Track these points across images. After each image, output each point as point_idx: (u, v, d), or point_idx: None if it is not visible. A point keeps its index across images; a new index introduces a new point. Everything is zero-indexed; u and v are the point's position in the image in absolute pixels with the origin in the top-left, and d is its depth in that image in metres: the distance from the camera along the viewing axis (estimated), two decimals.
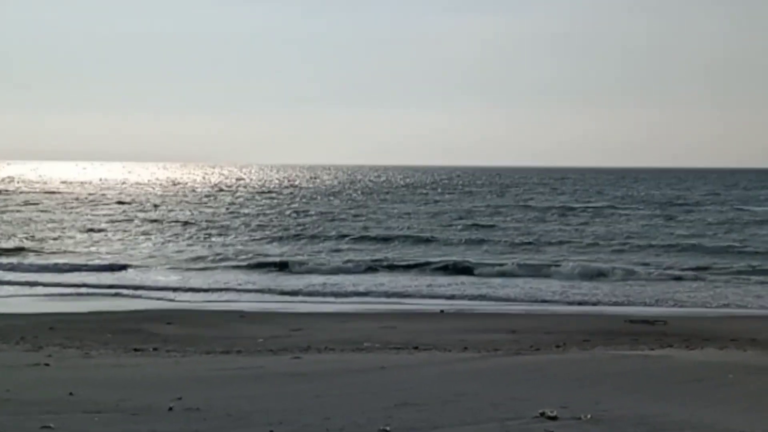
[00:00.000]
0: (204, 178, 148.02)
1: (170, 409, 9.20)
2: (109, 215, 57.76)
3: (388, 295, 26.57)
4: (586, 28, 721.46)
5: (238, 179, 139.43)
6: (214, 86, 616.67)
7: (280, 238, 42.98)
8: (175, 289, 27.23)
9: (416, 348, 15.07)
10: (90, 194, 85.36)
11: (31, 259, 34.65)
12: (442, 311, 22.80)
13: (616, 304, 24.68)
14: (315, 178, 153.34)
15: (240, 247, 38.95)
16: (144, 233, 46.12)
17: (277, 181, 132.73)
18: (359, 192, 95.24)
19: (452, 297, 26.12)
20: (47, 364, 12.89)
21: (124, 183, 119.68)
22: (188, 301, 25.02)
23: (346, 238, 42.66)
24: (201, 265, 33.84)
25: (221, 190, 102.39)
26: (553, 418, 8.76)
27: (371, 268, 32.53)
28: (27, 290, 26.88)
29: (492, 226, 49.95)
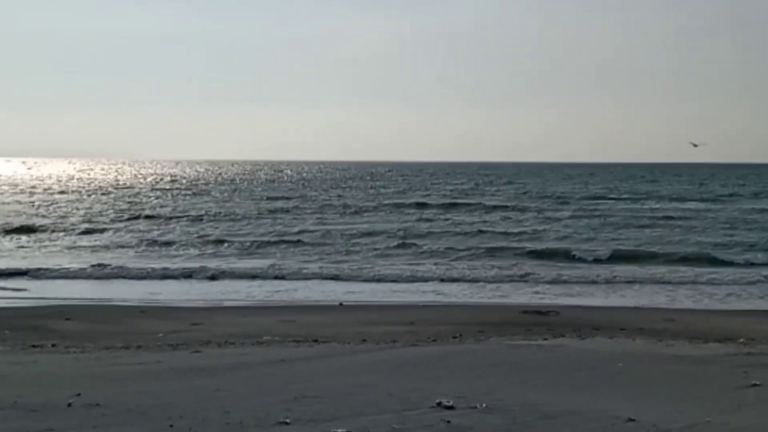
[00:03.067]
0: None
1: (69, 405, 9.09)
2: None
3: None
4: (487, 27, 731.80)
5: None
6: (114, 82, 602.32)
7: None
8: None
9: (316, 341, 15.16)
10: None
11: None
12: (341, 304, 22.93)
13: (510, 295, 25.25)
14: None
15: None
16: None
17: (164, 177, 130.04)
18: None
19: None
20: None
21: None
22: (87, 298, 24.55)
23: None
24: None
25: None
26: (450, 408, 8.99)
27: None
28: None
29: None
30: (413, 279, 28.08)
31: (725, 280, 27.46)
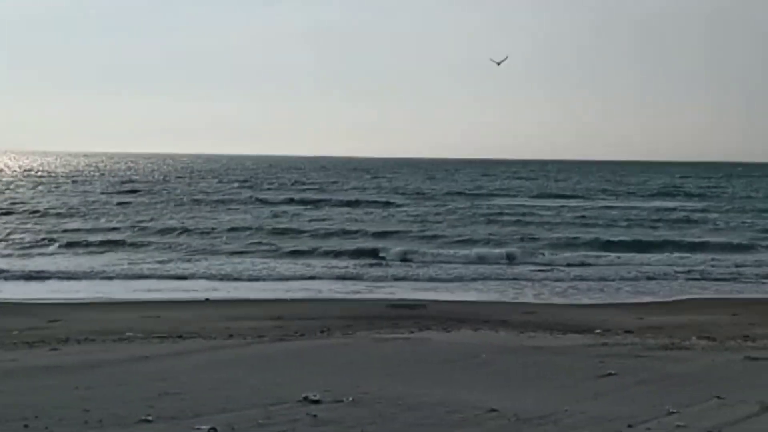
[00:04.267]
0: None
1: None
2: None
3: None
4: (343, 21, 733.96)
5: None
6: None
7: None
8: None
9: (180, 336, 14.88)
10: None
11: None
12: (207, 299, 22.60)
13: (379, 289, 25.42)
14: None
15: None
16: None
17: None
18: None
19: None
20: None
21: None
22: None
23: None
24: None
25: None
26: (316, 402, 8.97)
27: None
28: None
29: None
30: (280, 277, 27.77)
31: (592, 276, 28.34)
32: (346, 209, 56.00)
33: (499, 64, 45.03)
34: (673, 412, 8.82)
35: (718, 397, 9.55)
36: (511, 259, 32.05)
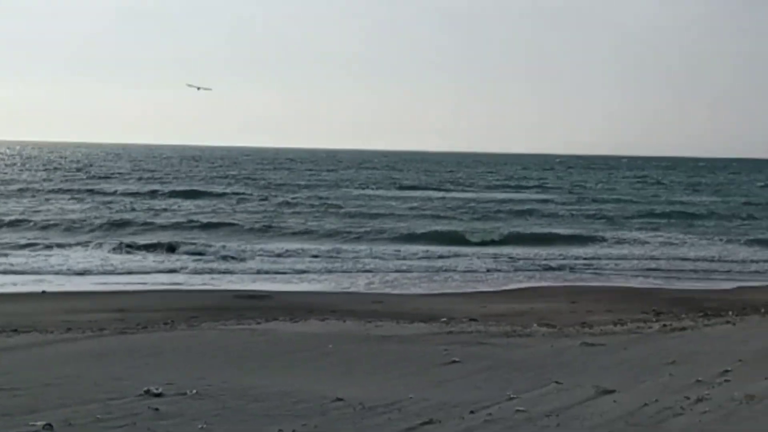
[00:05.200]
0: None
1: None
2: None
3: None
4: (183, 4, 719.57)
5: None
6: None
7: None
8: None
9: (15, 331, 14.22)
10: None
11: None
12: (43, 292, 21.72)
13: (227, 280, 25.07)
14: None
15: None
16: None
17: None
18: None
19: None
20: None
21: None
22: None
23: None
24: None
25: None
26: (158, 395, 8.74)
27: None
28: None
29: None
30: (120, 270, 26.83)
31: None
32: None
33: (198, 89, 45.82)
34: (513, 397, 9.04)
35: (557, 382, 9.86)
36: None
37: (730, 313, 17.01)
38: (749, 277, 27.35)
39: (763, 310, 17.32)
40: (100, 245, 31.82)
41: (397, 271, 27.39)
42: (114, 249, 31.12)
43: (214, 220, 41.66)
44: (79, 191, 58.13)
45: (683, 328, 14.61)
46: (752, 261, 31.06)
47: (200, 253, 30.33)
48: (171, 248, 31.32)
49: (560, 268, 28.58)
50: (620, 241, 36.88)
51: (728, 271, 28.54)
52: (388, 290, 23.35)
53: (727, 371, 10.36)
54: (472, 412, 8.42)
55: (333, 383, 9.90)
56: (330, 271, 27.18)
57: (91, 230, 37.40)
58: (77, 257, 28.73)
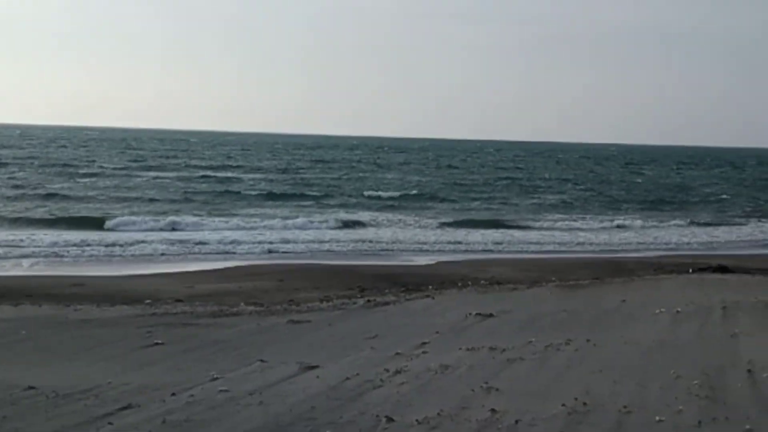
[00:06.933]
0: None
1: None
2: None
3: None
4: None
5: None
6: None
7: None
8: None
9: None
10: None
11: None
12: None
13: None
14: None
15: None
16: None
17: None
18: None
19: None
20: None
21: None
22: None
23: None
24: None
25: None
26: None
27: None
28: None
29: None
30: None
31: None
32: None
33: None
34: (217, 378, 8.90)
35: (262, 360, 9.83)
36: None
37: (430, 287, 17.80)
38: (448, 255, 28.72)
39: (459, 284, 18.28)
40: None
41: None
42: None
43: None
44: None
45: (386, 303, 15.09)
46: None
47: None
48: None
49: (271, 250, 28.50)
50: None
51: (426, 250, 29.72)
52: (90, 273, 22.33)
53: (425, 343, 10.79)
54: (173, 394, 8.19)
55: (25, 371, 9.33)
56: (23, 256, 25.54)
57: None
58: None
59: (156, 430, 7.09)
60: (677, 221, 41.67)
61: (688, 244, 33.70)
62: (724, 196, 59.96)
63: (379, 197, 50.56)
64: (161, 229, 32.40)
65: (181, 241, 28.67)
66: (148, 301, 15.68)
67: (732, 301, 13.32)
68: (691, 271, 19.89)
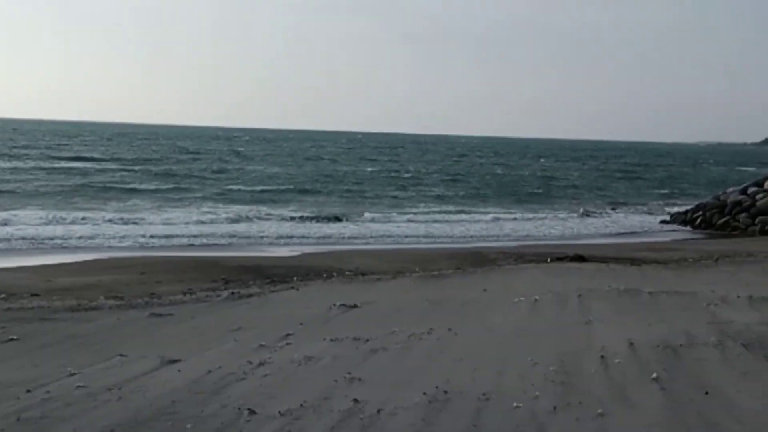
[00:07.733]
0: None
1: None
2: None
3: None
4: None
5: None
6: None
7: None
8: None
9: None
10: None
11: None
12: None
13: None
14: None
15: None
16: None
17: None
18: None
19: None
20: None
21: None
22: None
23: None
24: None
25: None
26: None
27: None
28: None
29: None
30: None
31: None
32: None
33: None
34: (74, 373, 8.66)
35: (122, 355, 9.62)
36: None
37: (295, 278, 17.78)
38: (313, 247, 28.77)
39: (324, 275, 18.33)
40: None
41: None
42: None
43: None
44: None
45: (250, 295, 14.99)
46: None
47: None
48: None
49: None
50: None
51: (291, 243, 29.73)
52: None
53: (289, 335, 10.77)
54: (28, 391, 7.93)
55: None
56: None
57: None
58: None
59: (10, 428, 6.85)
60: (538, 214, 42.91)
61: (545, 235, 34.72)
62: (578, 186, 62.63)
63: (240, 190, 50.16)
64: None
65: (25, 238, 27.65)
66: (2, 295, 15.09)
67: (587, 288, 13.81)
68: (549, 260, 20.52)
